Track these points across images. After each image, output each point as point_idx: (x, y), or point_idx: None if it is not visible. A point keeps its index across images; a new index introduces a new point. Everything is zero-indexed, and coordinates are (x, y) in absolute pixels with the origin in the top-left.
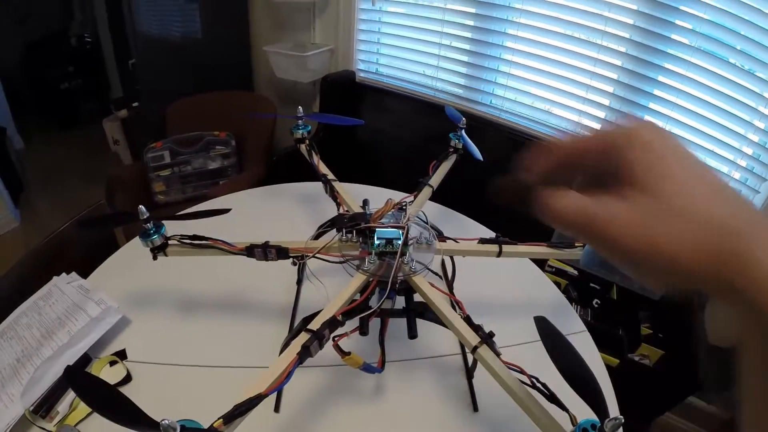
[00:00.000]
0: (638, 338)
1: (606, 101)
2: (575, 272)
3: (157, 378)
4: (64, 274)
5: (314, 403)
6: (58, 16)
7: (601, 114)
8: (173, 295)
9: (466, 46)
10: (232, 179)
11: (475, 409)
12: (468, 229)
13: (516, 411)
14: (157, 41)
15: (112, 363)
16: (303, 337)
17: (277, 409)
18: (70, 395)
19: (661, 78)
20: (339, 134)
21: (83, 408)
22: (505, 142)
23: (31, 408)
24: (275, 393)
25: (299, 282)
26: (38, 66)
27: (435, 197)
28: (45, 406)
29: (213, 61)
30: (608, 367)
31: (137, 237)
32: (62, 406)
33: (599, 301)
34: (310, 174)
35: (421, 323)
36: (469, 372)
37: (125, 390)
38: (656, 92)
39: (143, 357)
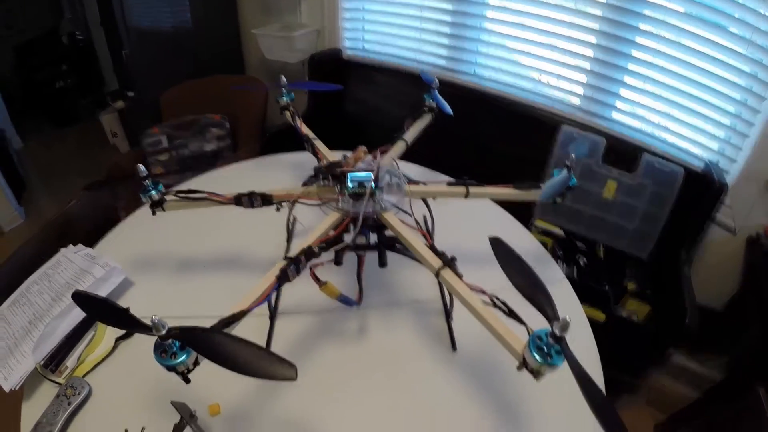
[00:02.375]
0: (625, 294)
1: (587, 65)
2: (561, 232)
3: None
4: (71, 245)
5: (302, 347)
6: (47, 15)
7: (583, 78)
8: (173, 257)
9: (447, 18)
10: (228, 159)
11: (454, 348)
12: None
13: (491, 347)
14: (149, 32)
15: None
16: (281, 263)
17: None
18: (78, 350)
19: (638, 39)
20: (327, 109)
21: (90, 361)
22: (491, 109)
23: (42, 362)
24: (266, 340)
25: (289, 238)
26: (32, 67)
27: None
28: (55, 360)
29: (204, 47)
30: (595, 323)
31: (137, 210)
32: (71, 361)
33: (586, 260)
34: (301, 147)
35: (399, 266)
36: (448, 313)
37: (127, 343)
38: (634, 53)
39: (146, 313)
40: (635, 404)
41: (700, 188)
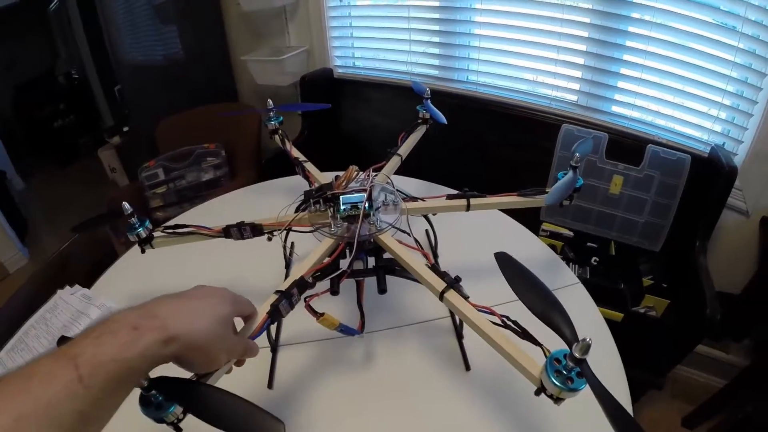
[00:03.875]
0: (641, 290)
1: (581, 60)
2: (570, 233)
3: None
4: (67, 286)
5: (306, 378)
6: (42, 56)
7: (578, 74)
8: (170, 292)
9: (436, 27)
10: (225, 187)
11: (467, 368)
12: None
13: (507, 364)
14: (141, 66)
15: None
16: (272, 297)
17: (270, 385)
18: None
19: (631, 29)
20: (322, 129)
21: None
22: (488, 115)
23: None
24: (269, 372)
25: (287, 266)
26: (30, 107)
27: (431, 178)
28: None
29: (196, 77)
30: (613, 322)
31: (132, 249)
32: None
33: (597, 259)
34: (295, 171)
35: (405, 289)
36: (458, 332)
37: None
38: (628, 43)
39: None
40: (660, 399)
41: (709, 173)
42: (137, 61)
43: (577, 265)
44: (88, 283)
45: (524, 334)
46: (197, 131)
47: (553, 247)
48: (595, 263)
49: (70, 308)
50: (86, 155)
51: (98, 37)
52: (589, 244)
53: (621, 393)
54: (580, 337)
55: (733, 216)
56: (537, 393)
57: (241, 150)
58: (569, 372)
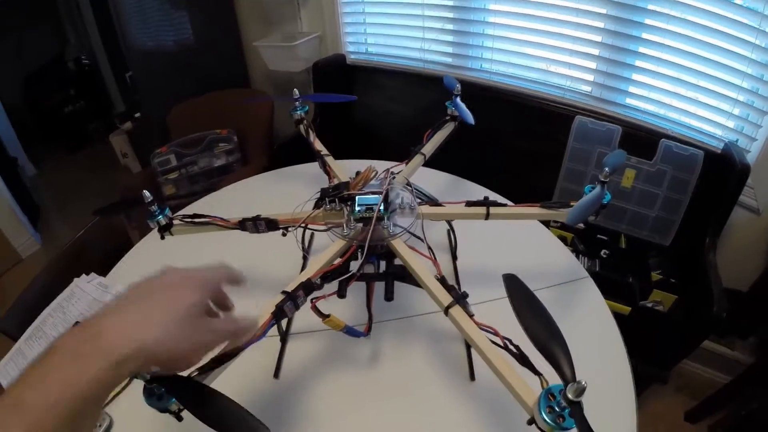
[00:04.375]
0: (650, 285)
1: (596, 51)
2: (582, 225)
3: None
4: (84, 275)
5: (312, 370)
6: (52, 43)
7: (592, 65)
8: None
9: (450, 14)
10: (237, 173)
11: (472, 377)
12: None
13: None
14: (152, 52)
15: None
16: (278, 298)
17: (276, 375)
18: None
19: (648, 21)
20: (336, 116)
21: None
22: (501, 104)
23: None
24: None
25: (305, 258)
26: (40, 94)
27: (446, 167)
28: None
29: (208, 63)
30: (621, 316)
31: (148, 235)
32: None
33: (607, 252)
34: (310, 157)
35: (413, 288)
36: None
37: None
38: (644, 36)
39: None
40: (664, 392)
41: (722, 170)
42: (148, 47)
43: (586, 258)
44: (103, 272)
45: (523, 361)
46: (209, 117)
47: (563, 238)
48: (605, 256)
49: (86, 296)
50: (97, 141)
51: (108, 23)
52: (599, 236)
53: (625, 386)
54: (579, 374)
55: (744, 214)
56: (529, 423)
57: (253, 136)
58: (562, 410)
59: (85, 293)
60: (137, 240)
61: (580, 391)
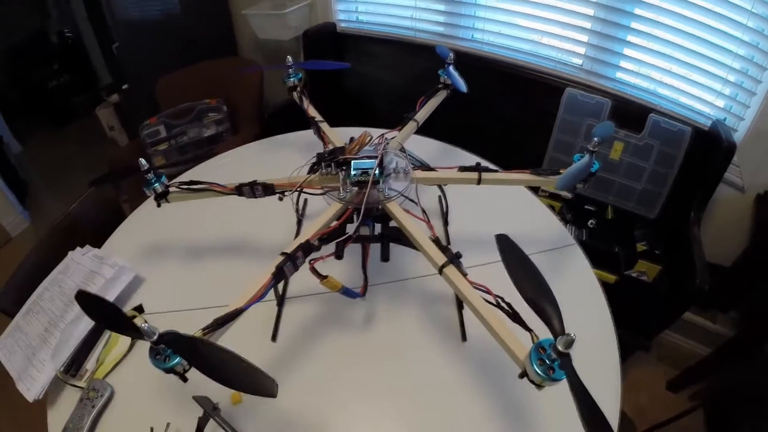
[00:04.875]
0: (635, 255)
1: (588, 24)
2: (569, 195)
3: (173, 325)
4: (78, 248)
5: (308, 333)
6: (34, 15)
7: (584, 38)
8: (180, 249)
9: None
10: (228, 142)
11: (464, 338)
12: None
13: None
14: (138, 22)
15: (132, 318)
16: (278, 259)
17: (274, 338)
18: (96, 352)
19: None
20: (326, 84)
21: (109, 362)
22: (492, 74)
23: (62, 369)
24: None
25: (299, 223)
26: (23, 70)
27: (437, 135)
28: (74, 365)
29: (195, 32)
30: (606, 285)
31: (141, 205)
32: (90, 364)
33: (594, 222)
34: (303, 125)
35: (408, 251)
36: (459, 302)
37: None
38: (637, 11)
39: (159, 308)
40: (647, 361)
41: (709, 147)
42: (134, 17)
43: (574, 227)
44: (98, 243)
45: (515, 317)
46: (198, 87)
47: (551, 207)
48: (592, 226)
49: (82, 269)
50: (83, 115)
51: None
52: (587, 206)
53: (610, 350)
54: (568, 330)
55: (729, 191)
56: (521, 376)
57: (243, 105)
58: (552, 362)
59: (80, 266)
60: (129, 212)
61: (569, 342)
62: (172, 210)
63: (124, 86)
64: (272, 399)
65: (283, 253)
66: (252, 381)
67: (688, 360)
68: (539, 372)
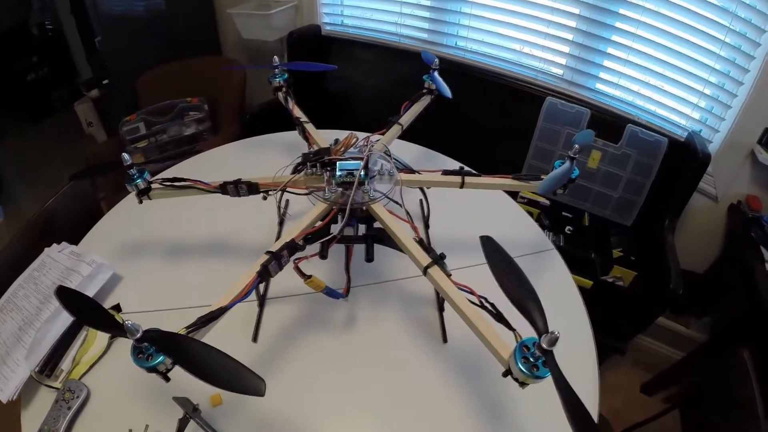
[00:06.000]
0: (611, 261)
1: (570, 35)
2: (547, 202)
3: (150, 325)
4: (54, 244)
5: (289, 334)
6: (15, 7)
7: (565, 48)
8: (160, 247)
9: None
10: (208, 142)
11: (445, 340)
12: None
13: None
14: (121, 17)
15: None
16: (263, 257)
17: (255, 339)
18: (72, 352)
19: (622, 11)
20: (309, 87)
21: (85, 362)
22: (474, 82)
23: (37, 369)
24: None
25: (281, 223)
26: (2, 61)
27: (420, 140)
28: (49, 365)
29: (179, 29)
30: (583, 289)
31: (120, 202)
32: (65, 364)
33: (571, 228)
34: (284, 126)
35: (391, 253)
36: (440, 305)
37: (122, 341)
38: (618, 24)
39: (137, 307)
40: (622, 365)
41: (684, 158)
42: (117, 11)
43: (551, 233)
44: (74, 240)
45: (499, 317)
46: (180, 85)
47: (529, 213)
48: (569, 232)
49: (58, 266)
50: (62, 109)
51: None
52: (564, 213)
53: (588, 352)
54: (551, 329)
55: (703, 200)
56: (504, 375)
57: (224, 104)
58: (536, 360)
59: (56, 263)
60: (106, 210)
61: (553, 340)
62: (151, 207)
63: (105, 81)
64: (252, 400)
65: (268, 252)
66: (239, 379)
67: (662, 364)
68: (524, 370)
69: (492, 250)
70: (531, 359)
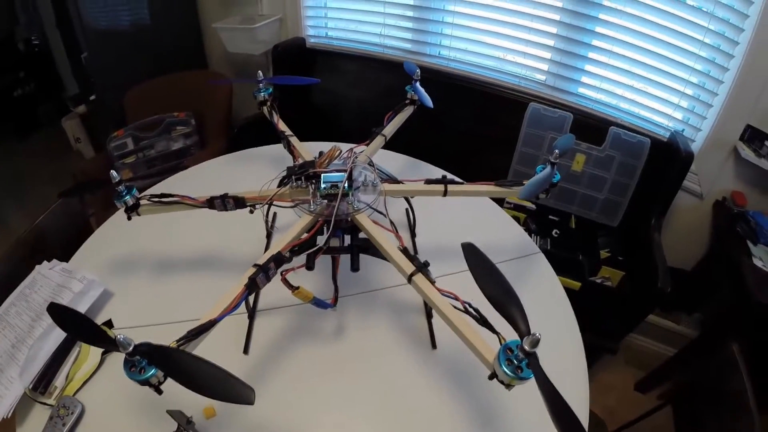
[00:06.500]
0: (599, 262)
1: (551, 42)
2: (533, 207)
3: (142, 339)
4: (45, 262)
5: (280, 345)
6: (0, 23)
7: (547, 54)
8: (150, 263)
9: (410, 1)
10: (196, 156)
11: (434, 346)
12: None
13: None
14: (107, 32)
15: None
16: (250, 270)
17: (246, 351)
18: (65, 368)
19: (602, 15)
20: (294, 99)
21: (79, 378)
22: (458, 90)
23: (30, 386)
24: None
25: (269, 236)
26: None
27: (404, 150)
28: (43, 382)
29: (165, 44)
30: (572, 291)
31: (110, 218)
32: (59, 381)
33: (558, 231)
34: (272, 139)
35: (378, 262)
36: (428, 311)
37: (115, 356)
38: (598, 29)
39: (128, 323)
40: (614, 365)
41: (668, 157)
42: (103, 26)
43: (538, 237)
44: (65, 257)
45: (482, 321)
46: (167, 100)
47: (516, 218)
48: (556, 235)
49: (50, 283)
50: (48, 125)
51: (62, 1)
52: (550, 217)
53: (577, 353)
54: (533, 330)
55: (688, 198)
56: (490, 378)
57: (211, 119)
58: (520, 362)
59: (48, 280)
60: (96, 226)
61: (535, 342)
62: (140, 223)
63: (92, 97)
64: (245, 411)
65: (255, 265)
66: (229, 389)
67: (655, 362)
68: (508, 372)
69: (473, 256)
70: (515, 361)
